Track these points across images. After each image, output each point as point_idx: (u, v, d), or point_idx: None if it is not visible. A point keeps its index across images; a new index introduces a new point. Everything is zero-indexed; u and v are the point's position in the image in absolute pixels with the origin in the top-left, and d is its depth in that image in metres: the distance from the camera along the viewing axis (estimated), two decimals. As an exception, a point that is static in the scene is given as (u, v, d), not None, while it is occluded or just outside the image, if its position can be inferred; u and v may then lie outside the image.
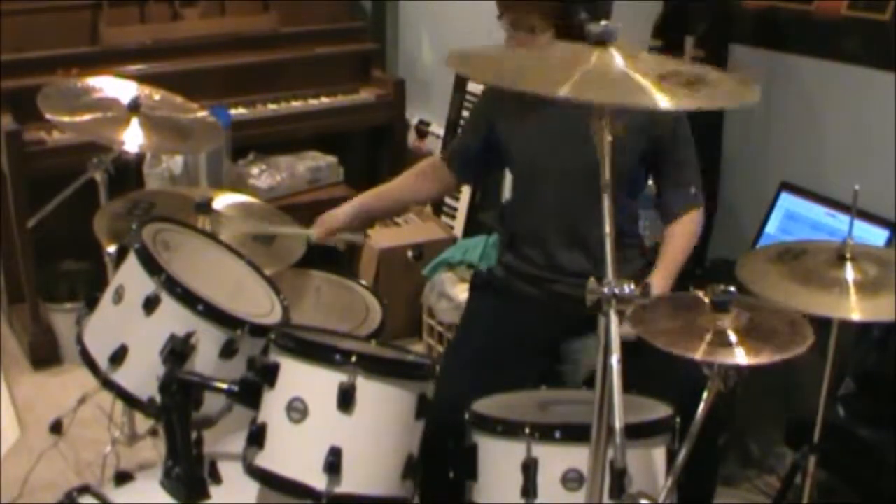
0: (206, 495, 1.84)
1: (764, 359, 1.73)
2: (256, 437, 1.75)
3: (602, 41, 1.54)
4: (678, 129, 2.30)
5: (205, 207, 2.45)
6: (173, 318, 1.85)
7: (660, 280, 2.23)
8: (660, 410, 1.89)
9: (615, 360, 1.46)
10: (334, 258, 3.80)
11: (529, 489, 1.78)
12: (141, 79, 2.92)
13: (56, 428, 3.06)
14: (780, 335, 1.79)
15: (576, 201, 2.27)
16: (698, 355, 1.73)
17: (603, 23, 1.56)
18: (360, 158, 4.29)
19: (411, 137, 4.34)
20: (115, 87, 2.75)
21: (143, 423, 2.89)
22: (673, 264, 2.29)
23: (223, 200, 2.58)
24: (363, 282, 2.65)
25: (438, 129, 4.23)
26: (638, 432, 1.78)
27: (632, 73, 1.50)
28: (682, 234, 2.34)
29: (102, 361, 1.88)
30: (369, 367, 1.73)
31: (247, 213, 2.57)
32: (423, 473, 1.83)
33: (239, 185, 3.62)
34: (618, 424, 1.44)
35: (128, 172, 3.33)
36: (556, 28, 2.19)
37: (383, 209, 2.68)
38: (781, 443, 2.80)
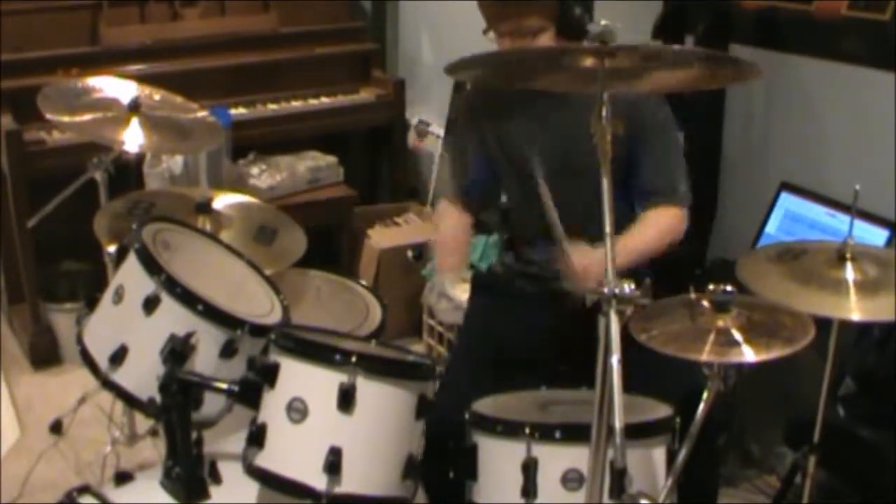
0: (206, 495, 1.84)
1: (775, 353, 1.73)
2: (256, 437, 1.75)
3: (603, 41, 1.55)
4: (659, 123, 2.22)
5: (205, 207, 2.45)
6: (173, 318, 1.85)
7: (594, 253, 1.99)
8: (660, 410, 1.89)
9: (615, 360, 1.46)
10: (334, 258, 3.81)
11: (529, 489, 1.78)
12: (141, 79, 2.92)
13: (56, 428, 3.06)
14: (785, 329, 1.79)
15: (566, 199, 2.27)
16: (704, 357, 1.73)
17: (603, 22, 1.56)
18: (360, 158, 4.29)
19: (411, 137, 4.34)
20: (115, 87, 2.75)
21: (143, 423, 2.89)
22: (624, 247, 2.02)
23: (223, 200, 2.58)
24: (363, 282, 2.65)
25: (438, 129, 4.23)
26: (638, 432, 1.78)
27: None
28: (644, 229, 2.18)
29: (102, 361, 1.88)
30: (369, 367, 1.73)
31: (247, 213, 2.57)
32: (423, 473, 1.83)
33: (239, 185, 3.62)
34: (618, 424, 1.44)
35: (128, 172, 3.33)
36: (557, 26, 2.17)
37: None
38: (781, 443, 2.80)
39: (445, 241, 2.51)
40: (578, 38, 2.04)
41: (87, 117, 2.63)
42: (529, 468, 1.78)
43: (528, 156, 2.32)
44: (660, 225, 2.22)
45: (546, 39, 2.18)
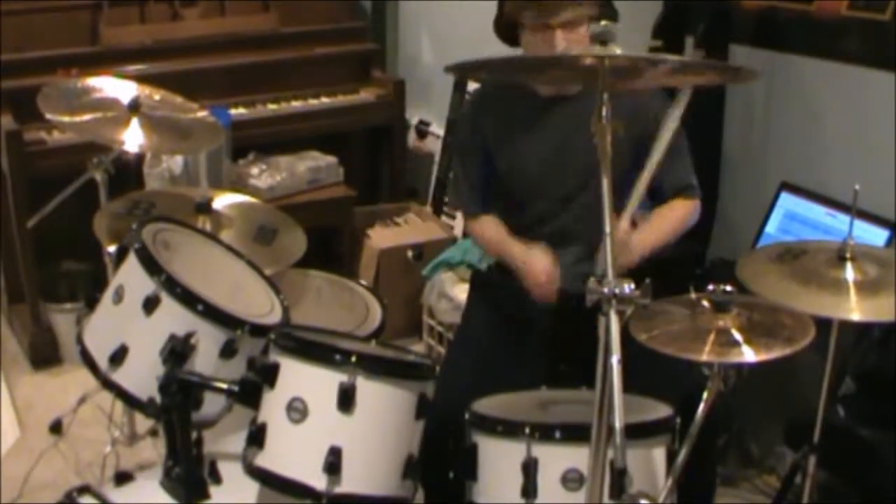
0: (206, 495, 1.84)
1: (775, 353, 1.73)
2: (256, 437, 1.75)
3: (603, 41, 1.55)
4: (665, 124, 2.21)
5: (205, 207, 2.45)
6: (173, 318, 1.85)
7: (637, 238, 2.08)
8: (660, 410, 1.89)
9: (615, 360, 1.46)
10: (334, 258, 3.81)
11: (529, 489, 1.78)
12: (141, 79, 2.93)
13: (56, 428, 3.06)
14: (785, 329, 1.79)
15: (565, 203, 2.27)
16: (704, 357, 1.73)
17: (602, 22, 1.56)
18: (360, 158, 4.29)
19: (411, 137, 4.34)
20: (115, 87, 2.75)
21: (143, 423, 2.89)
22: (653, 234, 2.17)
23: (223, 200, 2.58)
24: (363, 282, 2.65)
25: (438, 129, 4.24)
26: (638, 432, 1.78)
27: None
28: (669, 213, 2.24)
29: (102, 361, 1.88)
30: (369, 367, 1.73)
31: (247, 213, 2.57)
32: (423, 473, 1.83)
33: (239, 185, 3.62)
34: (618, 424, 1.44)
35: (128, 172, 3.33)
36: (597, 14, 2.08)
37: None
38: (781, 443, 2.80)
39: (499, 245, 2.38)
40: None
41: (87, 117, 2.63)
42: (529, 468, 1.78)
43: (526, 161, 2.32)
44: (679, 216, 2.25)
45: (581, 36, 2.08)
